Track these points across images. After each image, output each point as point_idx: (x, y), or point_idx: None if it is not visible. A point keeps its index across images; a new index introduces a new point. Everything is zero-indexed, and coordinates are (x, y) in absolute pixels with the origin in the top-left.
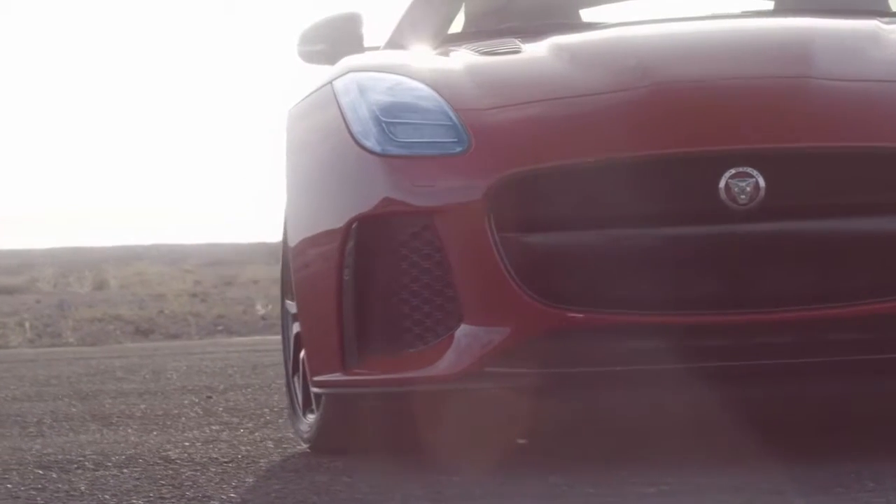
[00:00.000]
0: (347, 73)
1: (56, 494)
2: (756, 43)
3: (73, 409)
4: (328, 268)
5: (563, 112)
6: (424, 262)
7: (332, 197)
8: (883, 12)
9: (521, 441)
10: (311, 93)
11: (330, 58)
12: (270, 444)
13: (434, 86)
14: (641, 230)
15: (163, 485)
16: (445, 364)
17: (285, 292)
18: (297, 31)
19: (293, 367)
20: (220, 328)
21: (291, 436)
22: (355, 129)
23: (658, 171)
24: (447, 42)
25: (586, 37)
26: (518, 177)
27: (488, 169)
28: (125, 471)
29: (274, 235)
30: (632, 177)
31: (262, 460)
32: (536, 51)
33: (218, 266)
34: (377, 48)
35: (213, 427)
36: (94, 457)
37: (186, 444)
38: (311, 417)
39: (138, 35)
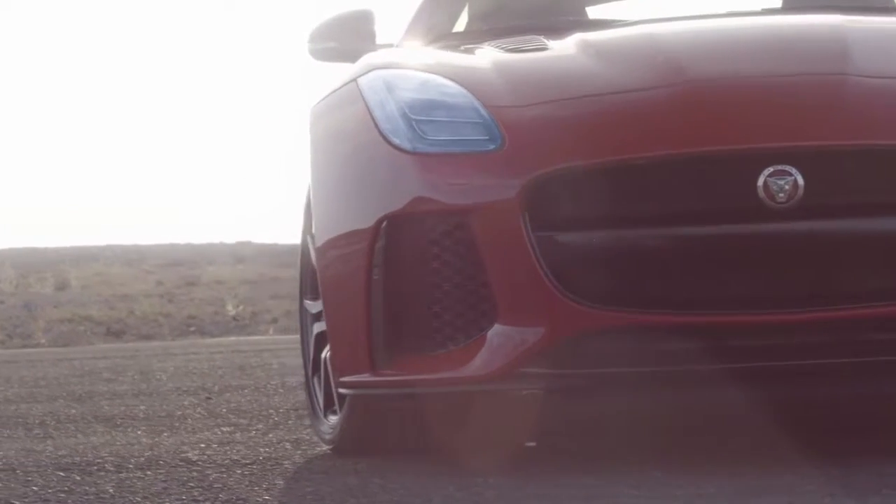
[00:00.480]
0: (372, 70)
1: (85, 497)
2: (787, 40)
3: (73, 411)
4: (357, 267)
5: (597, 109)
6: (457, 262)
7: (360, 195)
8: (890, 8)
9: (529, 444)
10: (334, 90)
11: (341, 55)
12: (288, 446)
13: (464, 83)
14: (678, 229)
15: (192, 487)
16: (478, 365)
17: (304, 292)
18: (284, 28)
19: (313, 367)
20: (192, 329)
21: (307, 437)
22: (384, 126)
23: (696, 169)
24: (459, 40)
25: (612, 34)
26: (553, 175)
27: (523, 167)
28: (148, 473)
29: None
30: (669, 175)
31: (285, 462)
32: (563, 48)
33: (178, 266)
34: (390, 45)
35: (224, 429)
36: (111, 459)
37: (202, 445)
38: (333, 419)
39: (101, 29)
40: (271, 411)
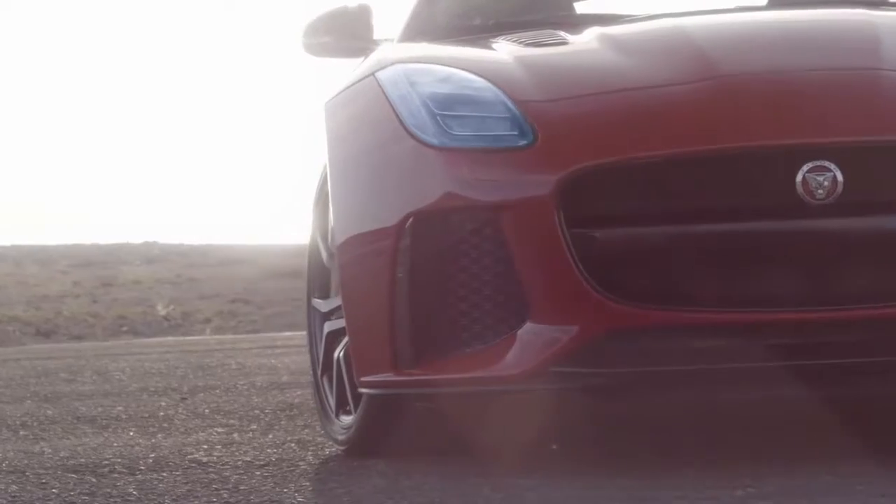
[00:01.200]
0: (392, 64)
1: (111, 499)
2: (816, 34)
3: (49, 412)
4: (380, 264)
5: (630, 105)
6: (486, 259)
7: (384, 192)
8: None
9: (553, 447)
10: (350, 85)
11: (337, 51)
12: (294, 446)
13: (489, 78)
14: (715, 226)
15: (217, 489)
16: (510, 364)
17: (312, 290)
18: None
19: (322, 367)
20: (124, 329)
21: (308, 438)
22: (408, 121)
23: (733, 165)
24: (468, 34)
25: (633, 28)
26: (588, 171)
27: (557, 163)
28: (164, 474)
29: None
30: (706, 171)
31: (299, 463)
32: (583, 42)
33: (90, 267)
34: (388, 41)
35: (218, 429)
36: (118, 460)
37: (205, 446)
38: (346, 419)
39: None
40: (256, 412)
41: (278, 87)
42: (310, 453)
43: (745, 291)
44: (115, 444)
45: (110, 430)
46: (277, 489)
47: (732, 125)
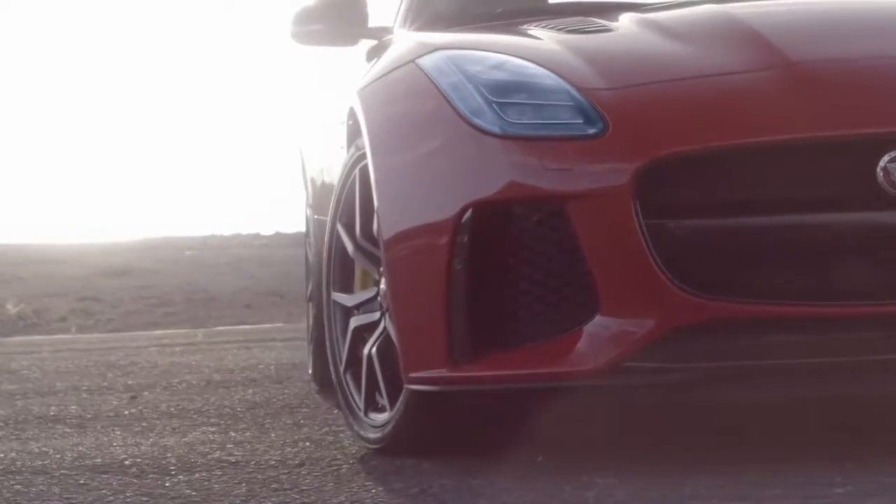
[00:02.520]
0: (434, 50)
1: (175, 500)
2: (877, 20)
3: (2, 412)
4: (435, 257)
5: (701, 93)
6: (552, 250)
7: (438, 183)
8: None
9: (539, 460)
10: (387, 72)
11: (329, 38)
12: (309, 444)
13: (545, 65)
14: (795, 217)
15: (276, 488)
16: (580, 359)
17: (331, 284)
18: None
19: (346, 363)
20: None
21: (318, 437)
22: (464, 110)
23: (813, 154)
24: (488, 21)
25: (677, 14)
26: (665, 160)
27: (633, 152)
28: (202, 474)
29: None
30: (785, 161)
31: (336, 462)
32: (628, 29)
33: None
34: (384, 28)
35: (209, 429)
36: (138, 460)
37: (214, 445)
38: (377, 416)
39: None
40: (228, 410)
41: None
42: (335, 451)
43: (825, 285)
44: (116, 444)
45: (90, 429)
46: (338, 488)
47: (811, 114)
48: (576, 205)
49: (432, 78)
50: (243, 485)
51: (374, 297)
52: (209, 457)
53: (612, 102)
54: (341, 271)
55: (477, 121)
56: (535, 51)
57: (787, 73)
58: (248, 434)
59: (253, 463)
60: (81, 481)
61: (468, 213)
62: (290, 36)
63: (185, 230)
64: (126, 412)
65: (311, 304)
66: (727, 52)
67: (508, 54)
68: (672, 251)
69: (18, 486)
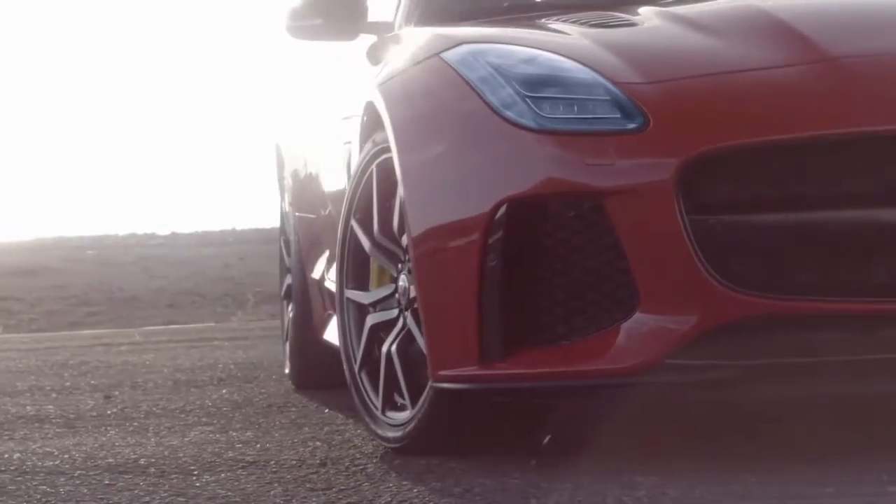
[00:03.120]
0: (458, 44)
1: (212, 501)
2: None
3: None
4: (467, 253)
5: (742, 87)
6: (589, 247)
7: (470, 178)
8: None
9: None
10: (409, 66)
11: (328, 34)
12: (319, 443)
13: (578, 59)
14: (841, 213)
15: (313, 488)
16: (620, 356)
17: (346, 281)
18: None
19: (361, 362)
20: None
21: (322, 434)
22: (497, 104)
23: (857, 149)
24: (501, 14)
25: (705, 8)
26: (710, 155)
27: (676, 147)
28: (226, 474)
29: None
30: (830, 155)
31: (360, 461)
32: (656, 23)
33: None
34: (385, 23)
35: (205, 428)
36: (151, 460)
37: (222, 445)
38: (396, 415)
39: None
40: (213, 409)
41: None
42: (352, 451)
43: (869, 281)
44: (119, 444)
45: (81, 429)
46: (382, 487)
47: (854, 109)
48: (616, 200)
49: (460, 72)
50: (276, 485)
51: (392, 295)
52: (223, 456)
53: (651, 97)
54: (356, 268)
55: (510, 115)
56: (564, 45)
57: (827, 67)
58: (249, 434)
59: (273, 462)
60: (106, 482)
61: (502, 209)
62: (287, 31)
63: (74, 230)
64: (108, 412)
65: (285, 301)
66: (762, 47)
67: (537, 48)
68: (715, 247)
69: (44, 487)
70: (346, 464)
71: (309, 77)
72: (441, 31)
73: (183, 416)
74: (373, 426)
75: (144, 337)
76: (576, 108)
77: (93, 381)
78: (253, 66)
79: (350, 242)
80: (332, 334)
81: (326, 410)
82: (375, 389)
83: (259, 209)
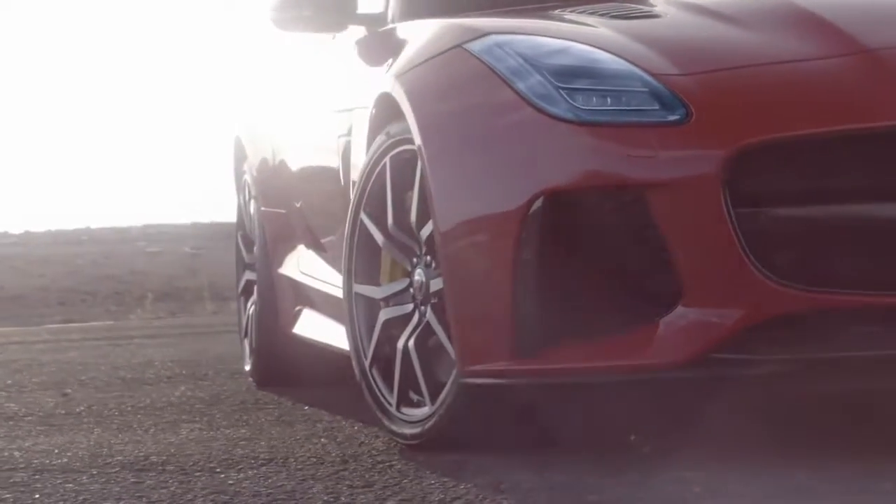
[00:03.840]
0: (482, 35)
1: (256, 499)
2: None
3: None
4: (502, 247)
5: (782, 79)
6: (629, 240)
7: (503, 170)
8: None
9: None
10: (430, 57)
11: (317, 25)
12: (325, 441)
13: (611, 50)
14: (887, 205)
15: (351, 485)
16: (664, 350)
17: (353, 275)
18: None
19: (373, 358)
20: None
21: (319, 432)
22: (531, 96)
23: None
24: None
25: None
26: (756, 147)
27: (722, 139)
28: (254, 471)
29: None
30: (876, 148)
31: (379, 458)
32: (677, 14)
33: None
34: (375, 15)
35: (194, 425)
36: (163, 458)
37: (223, 442)
38: (412, 411)
39: None
40: (193, 408)
41: None
42: (366, 447)
43: None
44: (115, 442)
45: (66, 427)
46: (425, 483)
47: None
48: (659, 193)
49: (489, 63)
50: (311, 482)
51: (406, 289)
52: (235, 454)
53: (691, 89)
54: (365, 263)
55: (545, 106)
56: (593, 36)
57: (865, 59)
58: (243, 431)
59: (291, 460)
60: (132, 479)
61: (539, 202)
62: (272, 22)
63: None
64: (78, 410)
65: (243, 298)
66: (795, 38)
67: (566, 39)
68: (761, 240)
69: (70, 485)
70: (368, 461)
71: (274, 69)
72: (460, 21)
73: (159, 413)
74: (387, 423)
75: (53, 335)
76: (610, 100)
77: (35, 379)
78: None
79: (359, 236)
80: (303, 328)
81: (306, 407)
82: (389, 386)
83: (112, 209)
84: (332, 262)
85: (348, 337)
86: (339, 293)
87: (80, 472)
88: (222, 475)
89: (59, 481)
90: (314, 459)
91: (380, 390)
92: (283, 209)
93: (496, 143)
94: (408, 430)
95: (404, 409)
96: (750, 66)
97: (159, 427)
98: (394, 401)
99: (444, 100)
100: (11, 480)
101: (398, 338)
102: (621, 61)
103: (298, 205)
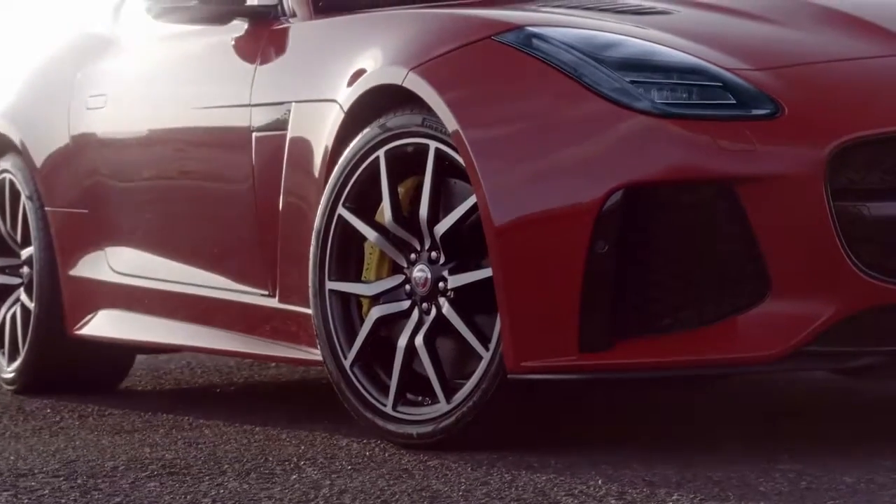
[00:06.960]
0: (513, 28)
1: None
2: None
3: None
4: (571, 241)
5: (862, 76)
6: (713, 233)
7: (573, 163)
8: None
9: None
10: (452, 48)
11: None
12: (324, 440)
13: (669, 45)
14: None
15: (410, 489)
16: (757, 344)
17: (328, 273)
18: None
19: (357, 356)
20: None
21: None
22: (604, 89)
23: None
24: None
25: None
26: (855, 142)
27: (823, 134)
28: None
29: None
30: None
31: (402, 459)
32: (700, 12)
33: None
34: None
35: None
36: (178, 461)
37: (232, 445)
38: (420, 410)
39: None
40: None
41: None
42: (370, 450)
43: None
44: (120, 445)
45: (61, 432)
46: (451, 482)
47: None
48: (752, 186)
49: (539, 55)
50: (365, 481)
51: (401, 286)
52: (230, 458)
53: (773, 84)
54: (344, 260)
55: (621, 99)
56: (637, 31)
57: None
58: (240, 428)
59: (321, 461)
60: (172, 482)
61: (617, 196)
62: (148, 12)
63: None
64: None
65: None
66: (850, 37)
67: (620, 33)
68: (858, 234)
69: (127, 484)
70: (394, 463)
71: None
72: (480, 12)
73: (154, 419)
74: (380, 422)
75: None
76: (684, 94)
77: None
78: None
79: (336, 233)
80: (95, 328)
81: (202, 420)
82: (375, 384)
83: None
84: (187, 259)
85: (318, 336)
86: (182, 289)
87: (113, 477)
88: (255, 477)
89: (100, 483)
90: (322, 461)
91: (366, 390)
92: (85, 210)
93: (562, 136)
94: (412, 430)
95: (403, 408)
96: (825, 63)
97: (144, 427)
98: (389, 400)
99: (484, 92)
100: None
101: (391, 336)
102: (683, 55)
103: (107, 206)
